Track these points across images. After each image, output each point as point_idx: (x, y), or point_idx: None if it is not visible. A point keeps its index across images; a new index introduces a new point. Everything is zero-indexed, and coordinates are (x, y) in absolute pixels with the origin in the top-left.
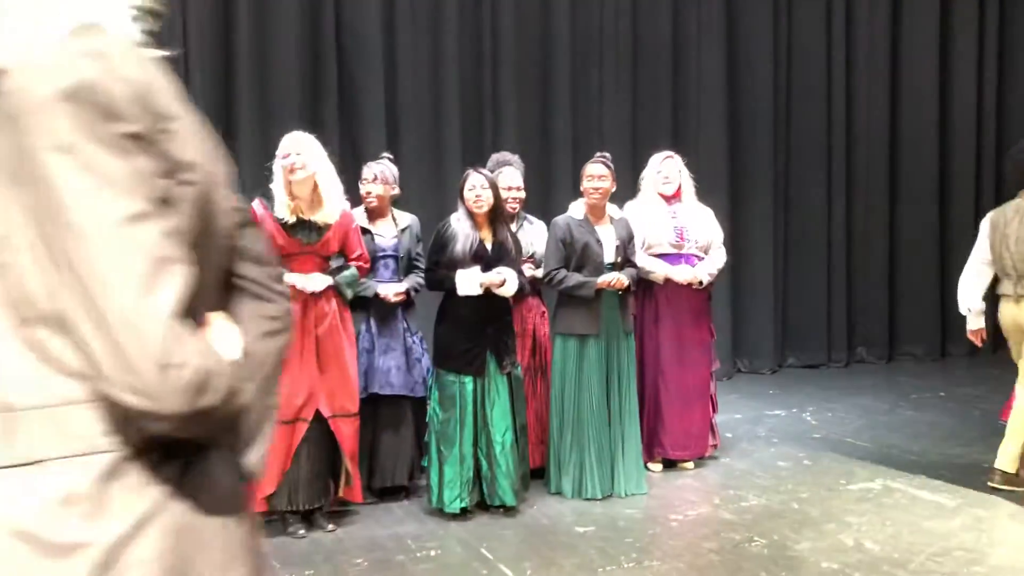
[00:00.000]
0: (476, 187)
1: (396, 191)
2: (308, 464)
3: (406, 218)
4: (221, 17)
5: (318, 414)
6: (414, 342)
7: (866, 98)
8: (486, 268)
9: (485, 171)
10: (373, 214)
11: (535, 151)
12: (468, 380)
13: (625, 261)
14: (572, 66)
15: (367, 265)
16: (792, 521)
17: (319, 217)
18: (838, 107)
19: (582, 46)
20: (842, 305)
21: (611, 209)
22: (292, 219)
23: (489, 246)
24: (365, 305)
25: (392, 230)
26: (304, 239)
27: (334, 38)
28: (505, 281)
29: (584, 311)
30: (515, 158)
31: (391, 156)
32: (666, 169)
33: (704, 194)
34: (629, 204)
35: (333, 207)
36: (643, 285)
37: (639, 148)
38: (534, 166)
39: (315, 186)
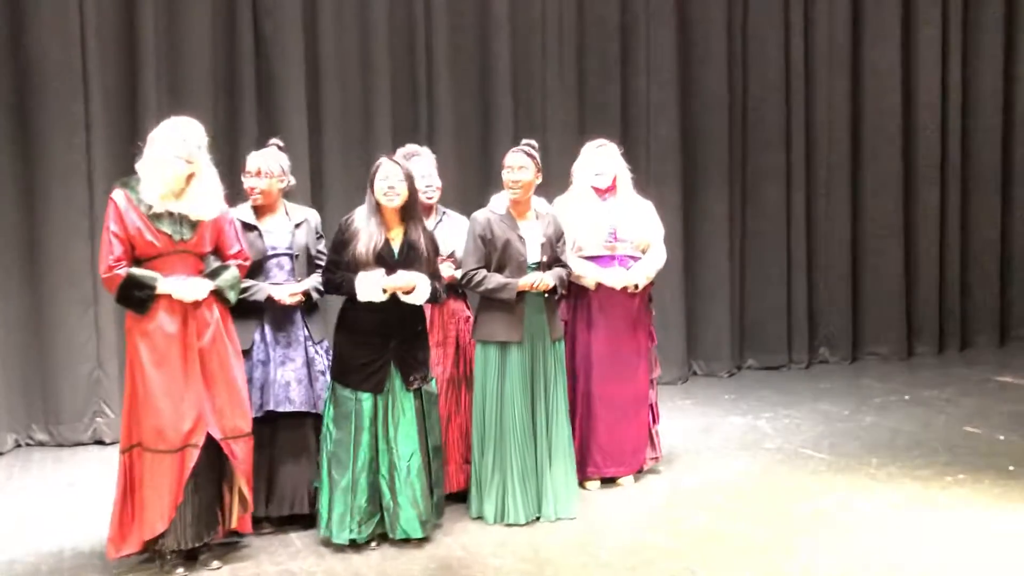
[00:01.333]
0: (390, 177)
1: (286, 183)
2: (197, 496)
3: (301, 212)
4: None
5: (208, 437)
6: (317, 352)
7: (827, 87)
8: (392, 272)
9: (401, 160)
10: (261, 210)
11: (474, 145)
12: (366, 397)
13: (553, 260)
14: (513, 53)
15: (247, 263)
16: (735, 548)
17: (192, 211)
18: (797, 96)
19: (523, 31)
20: (803, 303)
21: (537, 203)
22: (161, 208)
23: (396, 247)
24: (258, 311)
25: (285, 225)
26: (175, 235)
27: (251, 23)
28: (414, 287)
29: (505, 316)
30: (424, 149)
31: (280, 143)
32: (599, 160)
33: (656, 189)
34: (559, 199)
35: (206, 201)
36: (574, 288)
37: (587, 141)
38: (473, 161)
39: (190, 177)
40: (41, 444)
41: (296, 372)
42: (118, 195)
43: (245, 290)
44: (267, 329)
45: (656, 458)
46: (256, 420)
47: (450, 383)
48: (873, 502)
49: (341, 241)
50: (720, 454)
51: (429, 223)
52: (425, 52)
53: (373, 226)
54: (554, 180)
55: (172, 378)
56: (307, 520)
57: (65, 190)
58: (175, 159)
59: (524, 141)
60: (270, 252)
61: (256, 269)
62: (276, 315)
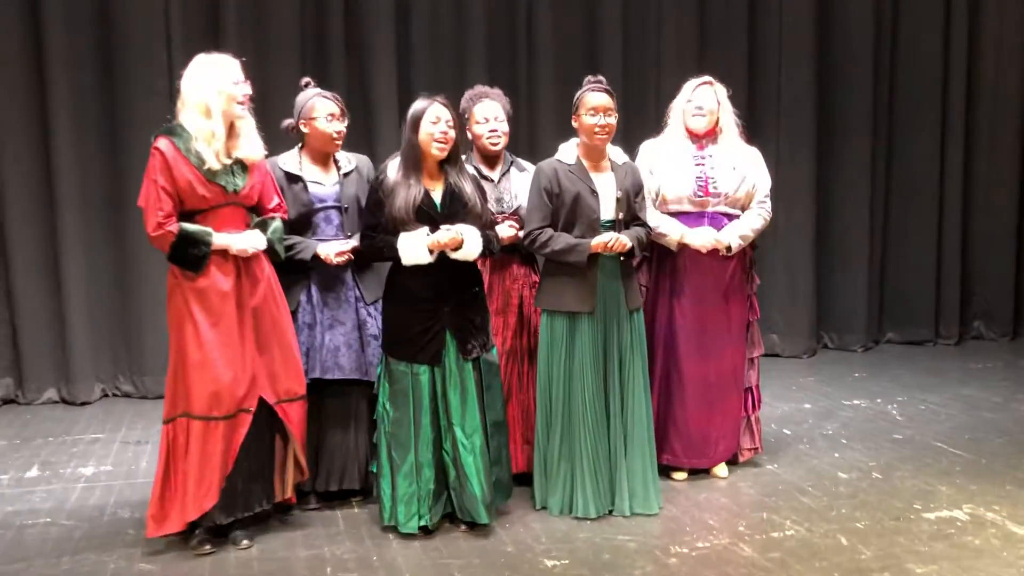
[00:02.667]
0: (441, 121)
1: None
2: (248, 463)
3: (351, 159)
4: None
5: (262, 402)
6: (369, 314)
7: (996, 21)
8: (436, 228)
9: (446, 101)
10: (310, 158)
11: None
12: (423, 371)
13: (632, 218)
14: None
15: (287, 216)
16: (834, 565)
17: (244, 155)
18: (958, 33)
19: None
20: (955, 270)
21: (612, 152)
22: (215, 160)
23: (439, 198)
24: (304, 270)
25: (332, 176)
26: (228, 186)
27: None
28: (462, 241)
29: (575, 282)
30: (497, 91)
31: (312, 81)
32: (699, 98)
33: (787, 139)
34: (648, 143)
35: (256, 143)
36: (656, 250)
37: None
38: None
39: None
40: (127, 395)
41: (346, 336)
42: (164, 145)
43: (291, 247)
44: (314, 290)
45: (754, 449)
46: None
47: (511, 356)
48: (1017, 518)
49: (376, 200)
50: (835, 445)
51: (494, 174)
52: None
53: (411, 179)
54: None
55: (228, 339)
56: (356, 496)
57: (147, 140)
58: (232, 104)
59: (592, 77)
60: (317, 205)
61: (302, 224)
62: (323, 274)
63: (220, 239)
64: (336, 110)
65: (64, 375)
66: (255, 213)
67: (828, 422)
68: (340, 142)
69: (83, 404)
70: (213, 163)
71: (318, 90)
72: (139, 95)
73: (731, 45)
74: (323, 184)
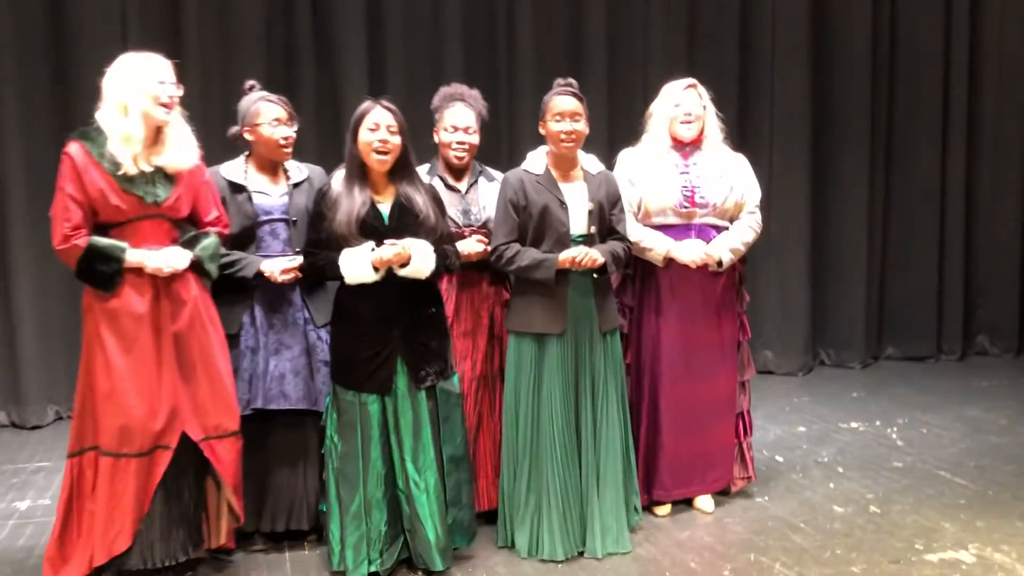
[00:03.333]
0: (381, 127)
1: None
2: (169, 506)
3: (302, 169)
4: None
5: (185, 438)
6: (319, 338)
7: (998, 27)
8: (383, 243)
9: (391, 105)
10: (256, 167)
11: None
12: (372, 400)
13: (607, 231)
14: None
15: (227, 231)
16: None
17: (166, 162)
18: (959, 38)
19: None
20: (958, 282)
21: (585, 160)
22: (132, 167)
23: (386, 210)
24: (247, 289)
25: (280, 186)
26: (147, 197)
27: None
28: (410, 257)
29: (543, 301)
30: (473, 93)
31: (257, 84)
32: (686, 103)
33: (781, 147)
34: (626, 151)
35: (185, 151)
36: (642, 267)
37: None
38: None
39: (163, 124)
40: None
41: (293, 362)
42: (75, 150)
43: (231, 264)
44: (258, 310)
45: (747, 478)
46: (244, 419)
47: (482, 381)
48: None
49: (319, 213)
50: (830, 473)
51: (461, 184)
52: None
53: (355, 190)
54: None
55: (142, 367)
56: (309, 536)
57: None
58: (155, 106)
59: (562, 81)
60: (262, 218)
61: (246, 238)
62: (269, 294)
63: (134, 256)
64: (283, 114)
65: (13, 397)
66: (193, 227)
67: (823, 447)
68: (288, 149)
69: (34, 428)
70: (130, 167)
71: (263, 93)
72: (93, 100)
73: (722, 47)
74: (269, 195)
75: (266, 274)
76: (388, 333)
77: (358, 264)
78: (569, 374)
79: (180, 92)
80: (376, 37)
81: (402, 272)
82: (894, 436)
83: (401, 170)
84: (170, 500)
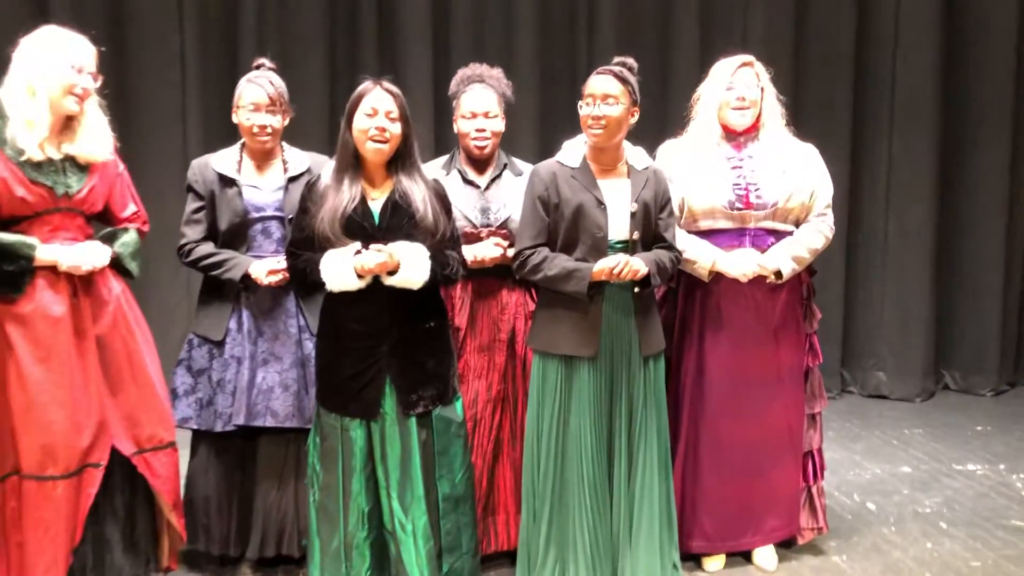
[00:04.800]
0: (380, 113)
1: (289, 116)
2: (104, 529)
3: (302, 160)
4: None
5: (116, 453)
6: (314, 348)
7: None
8: (370, 243)
9: (393, 87)
10: (252, 157)
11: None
12: (355, 426)
13: (652, 237)
14: None
15: (146, 227)
16: None
17: (78, 151)
18: None
19: None
20: None
21: (631, 153)
22: (39, 154)
23: (378, 208)
24: (233, 293)
25: (275, 179)
26: (57, 187)
27: None
28: (397, 264)
29: (574, 318)
30: (494, 73)
31: (273, 65)
32: (740, 85)
33: (904, 134)
34: (669, 143)
35: (100, 140)
36: (685, 281)
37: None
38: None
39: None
40: None
41: (282, 375)
42: None
43: (217, 264)
44: (245, 316)
45: (817, 529)
46: (227, 435)
47: (500, 404)
48: None
49: (304, 209)
50: (931, 529)
51: (483, 179)
52: None
53: (345, 183)
54: None
55: (61, 377)
56: (300, 565)
57: (160, 131)
58: (65, 95)
59: (616, 59)
60: (253, 214)
61: (236, 236)
62: (258, 298)
63: (46, 252)
64: (262, 99)
65: None
66: (108, 223)
67: (928, 495)
68: (264, 138)
69: None
70: (34, 153)
71: (258, 73)
72: (151, 84)
73: (835, 27)
74: (262, 189)
75: (253, 276)
76: (375, 349)
77: (340, 269)
78: (602, 404)
79: (97, 84)
80: (441, 13)
81: (390, 281)
82: (1019, 486)
83: (401, 162)
84: (106, 523)
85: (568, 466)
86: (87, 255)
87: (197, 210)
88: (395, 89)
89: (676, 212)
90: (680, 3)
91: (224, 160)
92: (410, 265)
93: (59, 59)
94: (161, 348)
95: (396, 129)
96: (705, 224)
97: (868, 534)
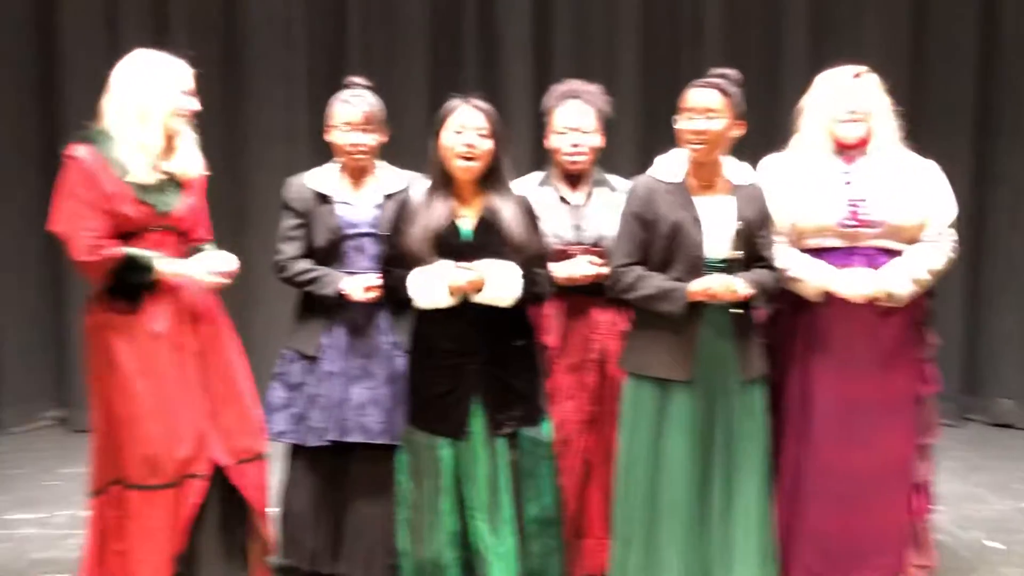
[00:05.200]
0: (466, 130)
1: (386, 135)
2: (209, 539)
3: (399, 178)
4: None
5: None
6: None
7: None
8: (460, 261)
9: (483, 104)
10: (349, 175)
11: (758, 81)
12: (443, 445)
13: (752, 257)
14: None
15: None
16: None
17: (177, 169)
18: None
19: None
20: None
21: (732, 168)
22: (148, 176)
23: (468, 226)
24: (326, 309)
25: (370, 197)
26: (159, 206)
27: None
28: (484, 281)
29: (669, 340)
30: (591, 88)
31: (367, 84)
32: (853, 96)
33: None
34: (771, 157)
35: (196, 157)
36: (791, 301)
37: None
38: (759, 104)
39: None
40: None
41: (374, 391)
42: (84, 153)
43: (311, 280)
44: (340, 332)
45: (924, 567)
46: (321, 450)
47: (590, 425)
48: None
49: (397, 227)
50: None
51: (576, 196)
52: None
53: (436, 201)
54: None
55: (164, 390)
56: None
57: (268, 150)
58: (176, 115)
59: (717, 71)
60: (347, 231)
61: (330, 253)
62: (353, 314)
63: (170, 265)
64: (355, 117)
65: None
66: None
67: None
68: (360, 157)
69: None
70: (144, 176)
71: (352, 91)
72: (260, 103)
73: (958, 25)
74: (355, 206)
75: (346, 292)
76: (464, 368)
77: (429, 286)
78: (698, 431)
79: (198, 106)
80: (543, 28)
81: (478, 299)
82: None
83: (491, 180)
84: (203, 533)
85: (661, 492)
86: (216, 264)
87: (294, 227)
88: (485, 106)
89: (780, 229)
90: (790, 10)
91: (319, 178)
92: (499, 283)
93: (169, 83)
94: (265, 362)
95: (485, 146)
96: (813, 242)
97: (988, 575)
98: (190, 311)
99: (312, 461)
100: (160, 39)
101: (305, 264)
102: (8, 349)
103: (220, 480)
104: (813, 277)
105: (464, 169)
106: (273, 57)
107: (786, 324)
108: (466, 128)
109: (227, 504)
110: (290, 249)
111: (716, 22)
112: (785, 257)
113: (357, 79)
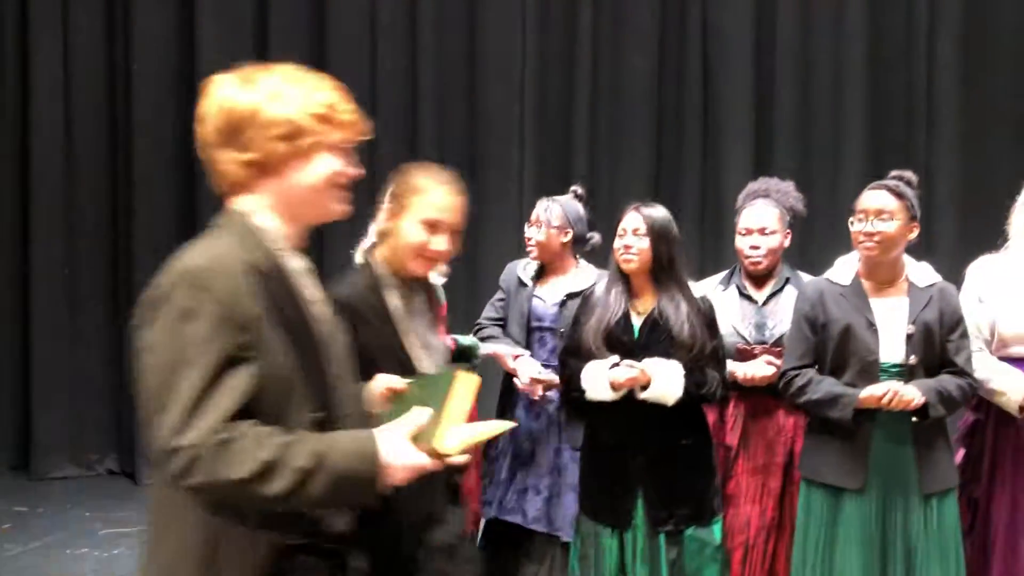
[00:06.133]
0: (628, 232)
1: (569, 237)
2: None
3: (587, 277)
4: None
5: None
6: (573, 460)
7: None
8: (629, 357)
9: (652, 208)
10: (546, 268)
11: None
12: (607, 534)
13: (939, 362)
14: None
15: None
16: None
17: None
18: None
19: None
20: None
21: (913, 268)
22: None
23: (640, 323)
24: (510, 391)
25: (558, 293)
26: None
27: (699, 44)
28: (650, 379)
29: (841, 445)
30: (782, 187)
31: (580, 191)
32: None
33: None
34: (978, 262)
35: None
36: (996, 416)
37: None
38: (975, 191)
39: None
40: None
41: (537, 479)
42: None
43: (486, 339)
44: (515, 414)
45: None
46: (489, 524)
47: (774, 531)
48: None
49: (576, 319)
50: None
51: (760, 294)
52: (926, 56)
53: (612, 296)
54: None
55: None
56: None
57: (499, 201)
58: None
59: (893, 173)
60: (533, 323)
61: (518, 340)
62: (528, 399)
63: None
64: (535, 215)
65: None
66: None
67: None
68: (530, 250)
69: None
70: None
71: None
72: (492, 159)
73: None
74: (544, 300)
75: (517, 373)
76: (630, 461)
77: (597, 380)
78: (873, 544)
79: None
80: (764, 115)
81: (643, 396)
82: None
83: (662, 278)
84: None
85: None
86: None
87: (499, 299)
88: (648, 210)
89: (984, 336)
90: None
91: (524, 266)
92: (662, 382)
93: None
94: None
95: (642, 244)
96: (1017, 351)
97: None
98: None
99: (494, 532)
100: None
101: (495, 331)
102: None
103: None
104: (1013, 390)
105: (627, 264)
106: (508, 109)
107: (992, 435)
108: (627, 231)
109: None
110: (489, 311)
111: (951, 110)
112: (984, 367)
113: (578, 188)
